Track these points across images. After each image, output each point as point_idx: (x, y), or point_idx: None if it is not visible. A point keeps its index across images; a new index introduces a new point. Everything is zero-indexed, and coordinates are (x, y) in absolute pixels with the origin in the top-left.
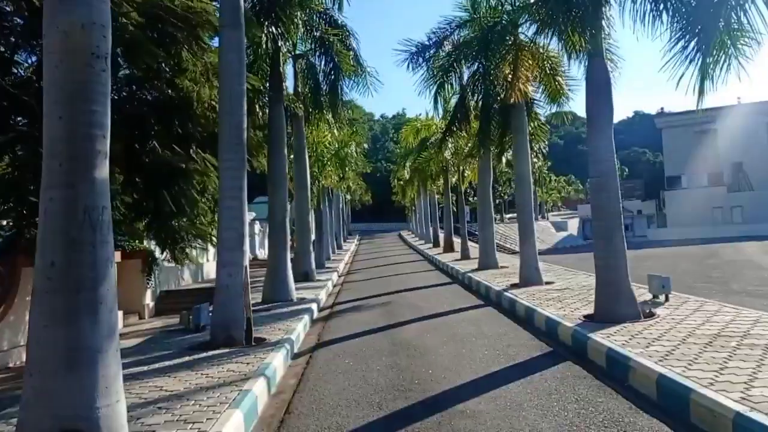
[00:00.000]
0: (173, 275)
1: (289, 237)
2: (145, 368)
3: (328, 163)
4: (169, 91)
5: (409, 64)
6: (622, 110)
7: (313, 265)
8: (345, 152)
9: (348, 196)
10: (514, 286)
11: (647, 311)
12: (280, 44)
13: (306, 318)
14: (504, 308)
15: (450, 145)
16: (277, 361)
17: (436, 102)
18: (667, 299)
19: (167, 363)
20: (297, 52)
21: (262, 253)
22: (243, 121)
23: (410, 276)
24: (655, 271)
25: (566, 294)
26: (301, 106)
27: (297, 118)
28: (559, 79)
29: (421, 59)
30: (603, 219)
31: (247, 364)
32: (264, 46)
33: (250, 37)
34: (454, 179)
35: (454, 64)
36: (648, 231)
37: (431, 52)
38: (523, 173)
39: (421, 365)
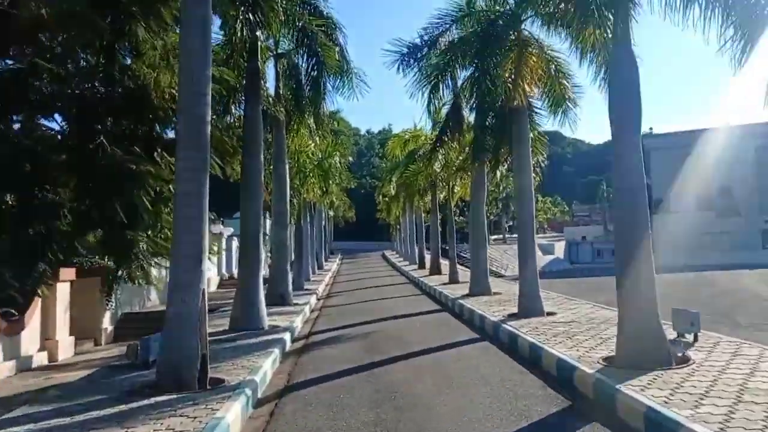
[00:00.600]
0: (138, 296)
1: (263, 255)
2: (67, 420)
3: (311, 174)
4: (126, 78)
5: (399, 66)
6: (606, 132)
7: (291, 287)
8: (329, 163)
9: (331, 213)
10: (512, 316)
11: (679, 355)
12: (258, 35)
13: (276, 352)
14: (503, 343)
15: (440, 157)
16: (233, 414)
17: (429, 104)
18: (696, 339)
19: (95, 414)
20: (279, 50)
21: None
22: (206, 114)
23: (395, 301)
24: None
25: (574, 328)
26: (282, 110)
27: (278, 124)
28: (565, 82)
29: (412, 60)
30: (628, 241)
31: (194, 418)
32: (239, 34)
33: (225, 25)
34: (442, 195)
35: (449, 64)
36: None
37: (424, 52)
38: (525, 186)
39: (411, 424)
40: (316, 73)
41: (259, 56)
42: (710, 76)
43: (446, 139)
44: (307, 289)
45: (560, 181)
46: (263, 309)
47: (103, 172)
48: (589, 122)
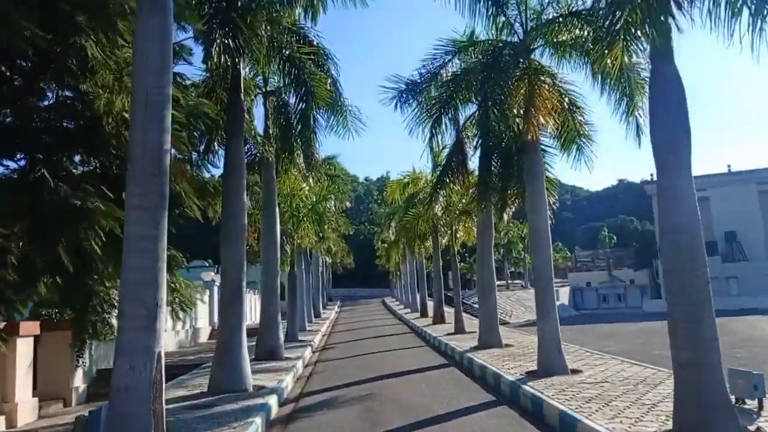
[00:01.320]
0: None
1: (245, 307)
2: None
3: (304, 218)
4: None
5: (397, 103)
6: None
7: (282, 339)
8: (323, 207)
9: (328, 259)
10: (531, 374)
11: (751, 429)
12: (240, 66)
13: (257, 422)
14: (524, 409)
15: (441, 200)
16: None
17: (431, 139)
18: (761, 406)
19: None
20: (268, 88)
21: None
22: (164, 142)
23: (397, 354)
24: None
25: (608, 391)
26: (271, 150)
27: (267, 164)
28: (579, 117)
29: (410, 98)
30: (686, 293)
31: None
32: (216, 59)
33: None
34: (444, 240)
35: (453, 97)
36: (643, 302)
37: (423, 86)
38: (540, 227)
39: None
40: (304, 105)
41: (242, 87)
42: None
43: (448, 180)
44: (301, 341)
45: (560, 227)
46: (246, 368)
47: (46, 211)
48: (586, 169)
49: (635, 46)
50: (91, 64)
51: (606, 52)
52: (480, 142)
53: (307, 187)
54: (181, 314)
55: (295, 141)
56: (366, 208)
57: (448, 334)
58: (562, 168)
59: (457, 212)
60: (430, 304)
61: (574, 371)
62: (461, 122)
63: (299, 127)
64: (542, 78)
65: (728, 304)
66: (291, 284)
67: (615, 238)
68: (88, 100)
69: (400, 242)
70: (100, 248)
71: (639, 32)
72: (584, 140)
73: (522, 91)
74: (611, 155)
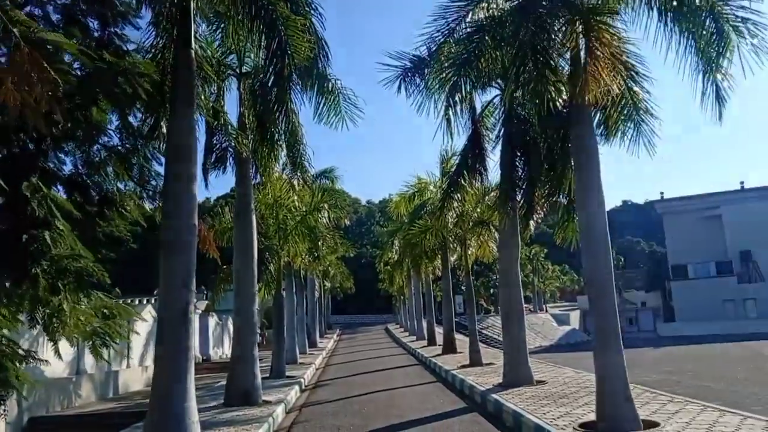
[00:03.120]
0: (59, 391)
1: (191, 342)
2: None
3: (293, 232)
4: None
5: (401, 83)
6: (611, 199)
7: (258, 378)
8: (314, 219)
9: (327, 284)
10: (587, 427)
11: None
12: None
13: None
14: None
15: (455, 205)
16: None
17: (447, 110)
18: None
19: None
20: (244, 69)
21: (220, 352)
22: None
23: (403, 394)
24: (712, 376)
25: None
26: (247, 143)
27: (242, 161)
28: (636, 89)
29: (417, 77)
30: None
31: None
32: None
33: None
34: (453, 258)
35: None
36: (658, 326)
37: (439, 44)
38: (596, 224)
39: None
40: (279, 65)
41: (192, 38)
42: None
43: (463, 181)
44: (289, 377)
45: (565, 249)
46: (192, 426)
47: None
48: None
49: None
50: None
51: None
52: (503, 129)
53: (296, 197)
54: (105, 351)
55: (274, 127)
56: (368, 231)
57: (463, 367)
58: None
59: (471, 223)
60: (440, 331)
61: (650, 425)
62: (478, 110)
63: (277, 105)
64: (600, 19)
65: (747, 327)
66: (277, 310)
67: (623, 259)
68: None
69: (405, 262)
70: None
71: None
72: (644, 116)
73: (573, 36)
74: (614, 175)
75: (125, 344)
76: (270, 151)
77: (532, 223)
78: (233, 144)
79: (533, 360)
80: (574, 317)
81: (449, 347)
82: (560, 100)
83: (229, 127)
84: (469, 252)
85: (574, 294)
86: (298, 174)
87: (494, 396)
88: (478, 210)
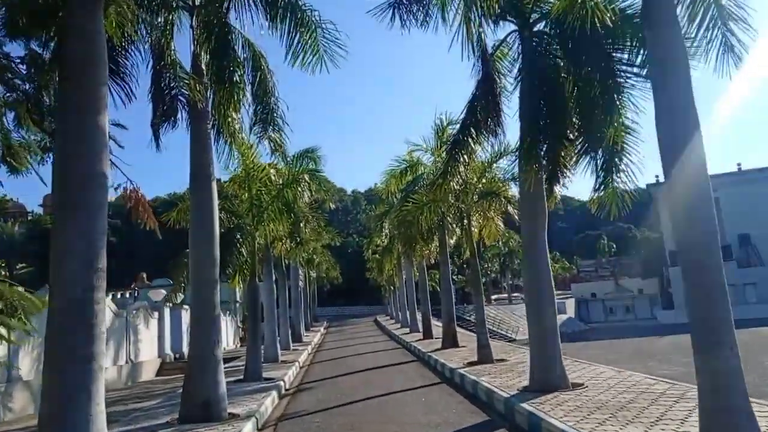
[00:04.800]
0: None
1: (100, 344)
2: None
3: (268, 209)
4: None
5: (394, 12)
6: None
7: (223, 386)
8: (292, 193)
9: (312, 273)
10: None
11: None
12: None
13: None
14: None
15: (462, 169)
16: None
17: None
18: None
19: None
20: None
21: None
22: None
23: (404, 400)
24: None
25: None
26: (201, 89)
27: (198, 116)
28: None
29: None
30: None
31: None
32: None
33: None
34: (452, 240)
35: None
36: (658, 313)
37: None
38: (699, 175)
39: None
40: None
41: None
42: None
43: (470, 140)
44: (267, 380)
45: (556, 237)
46: None
47: None
48: (574, 180)
49: None
50: None
51: None
52: (523, 67)
53: (272, 170)
54: None
55: (234, 65)
56: (354, 219)
57: (470, 364)
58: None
59: (475, 196)
60: (439, 323)
61: None
62: (490, 48)
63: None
64: None
65: (748, 312)
66: (251, 300)
67: (615, 246)
68: None
69: (395, 248)
70: None
71: None
72: (734, 25)
73: None
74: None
75: None
76: (229, 97)
77: (557, 189)
78: (186, 92)
79: (518, 346)
80: (570, 305)
81: (450, 341)
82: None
83: (178, 67)
84: (473, 230)
85: (566, 282)
86: (270, 133)
87: (526, 407)
88: (483, 181)
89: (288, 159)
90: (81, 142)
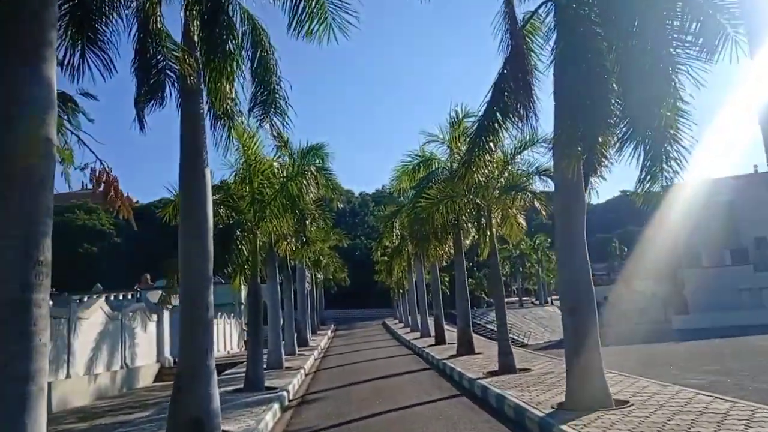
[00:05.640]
0: None
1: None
2: None
3: (272, 204)
4: None
5: None
6: (608, 190)
7: (216, 401)
8: (297, 187)
9: (319, 275)
10: None
11: None
12: None
13: None
14: None
15: (487, 158)
16: None
17: None
18: None
19: None
20: None
21: None
22: None
23: (422, 417)
24: None
25: None
26: (191, 62)
27: (188, 94)
28: None
29: None
30: None
31: None
32: None
33: None
34: (468, 241)
35: None
36: (673, 318)
37: None
38: None
39: None
40: None
41: None
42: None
43: (495, 123)
44: (269, 389)
45: None
46: None
47: None
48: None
49: None
50: None
51: None
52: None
53: (275, 163)
54: None
55: (230, 33)
56: (362, 222)
57: (491, 374)
58: None
59: (496, 191)
60: (447, 327)
61: None
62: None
63: None
64: None
65: (764, 318)
66: (253, 302)
67: (627, 248)
68: None
69: (405, 250)
70: None
71: None
72: None
73: None
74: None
75: (63, 347)
76: (222, 67)
77: (593, 180)
78: (174, 66)
79: (539, 354)
80: None
81: (466, 347)
82: None
83: (166, 36)
84: (489, 231)
85: None
86: (272, 117)
87: (567, 430)
88: (506, 174)
89: (293, 153)
90: (15, 92)
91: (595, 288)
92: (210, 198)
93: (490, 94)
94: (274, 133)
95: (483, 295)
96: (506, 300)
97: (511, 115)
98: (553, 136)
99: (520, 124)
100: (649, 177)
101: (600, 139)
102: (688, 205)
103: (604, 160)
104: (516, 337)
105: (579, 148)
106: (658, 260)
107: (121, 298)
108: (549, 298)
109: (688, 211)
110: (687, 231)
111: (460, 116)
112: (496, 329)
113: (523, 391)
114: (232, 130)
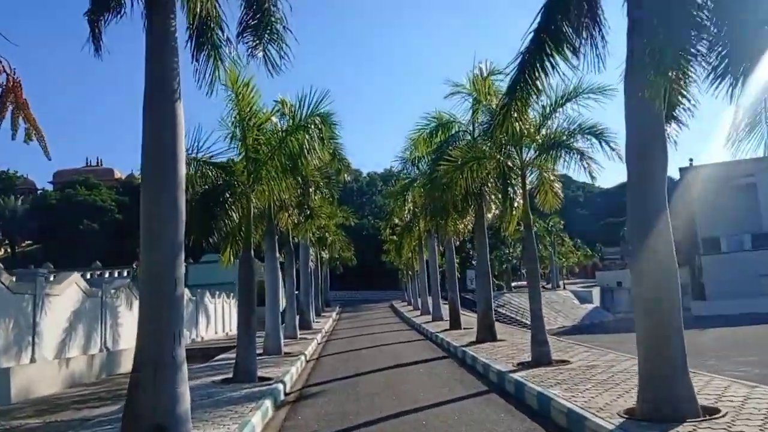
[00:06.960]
0: None
1: None
2: None
3: (269, 164)
4: None
5: None
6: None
7: (187, 402)
8: (299, 143)
9: (324, 254)
10: None
11: None
12: None
13: None
14: None
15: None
16: None
17: None
18: None
19: None
20: None
21: (193, 335)
22: None
23: (446, 419)
24: None
25: None
26: None
27: (155, 3)
28: None
29: None
30: None
31: None
32: None
33: None
34: (489, 215)
35: None
36: (692, 305)
37: None
38: None
39: None
40: None
41: None
42: None
43: (549, 62)
44: (262, 379)
45: (577, 224)
46: None
47: None
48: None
49: None
50: None
51: None
52: None
53: (275, 118)
54: None
55: None
56: (369, 201)
57: (522, 365)
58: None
59: (532, 151)
60: (475, 313)
61: None
62: None
63: None
64: None
65: None
66: (245, 279)
67: None
68: None
69: (416, 227)
70: None
71: None
72: None
73: None
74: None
75: (27, 327)
76: None
77: (670, 129)
78: None
79: (572, 342)
80: (595, 294)
81: (487, 332)
82: None
83: None
84: (516, 203)
85: (587, 270)
86: (266, 45)
87: None
88: (542, 132)
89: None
90: None
91: (607, 272)
92: (182, 141)
93: (538, 17)
94: (269, 66)
95: (493, 278)
96: (516, 284)
97: (567, 44)
98: (626, 61)
99: (578, 58)
100: (748, 126)
101: (682, 74)
102: (706, 188)
103: (682, 101)
104: (528, 322)
105: (665, 70)
106: (675, 245)
107: (116, 275)
108: (561, 282)
109: (706, 193)
110: (705, 215)
111: (486, 73)
112: (500, 312)
113: (571, 390)
114: (222, 71)
